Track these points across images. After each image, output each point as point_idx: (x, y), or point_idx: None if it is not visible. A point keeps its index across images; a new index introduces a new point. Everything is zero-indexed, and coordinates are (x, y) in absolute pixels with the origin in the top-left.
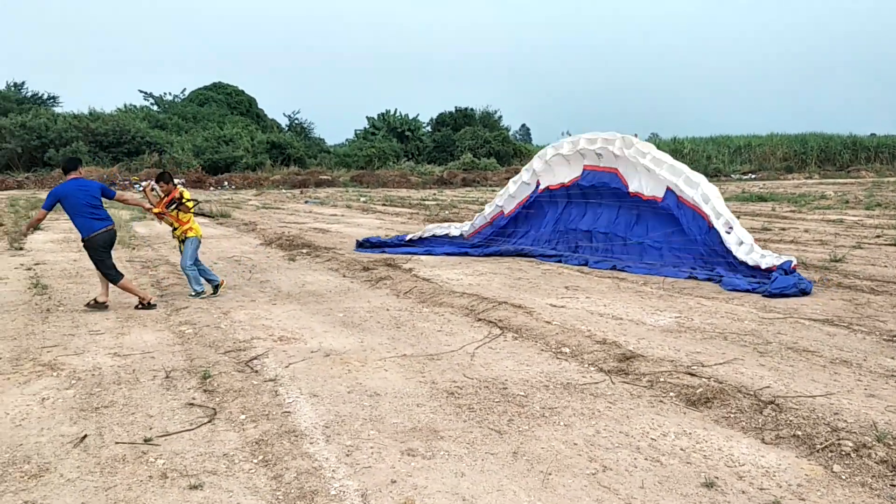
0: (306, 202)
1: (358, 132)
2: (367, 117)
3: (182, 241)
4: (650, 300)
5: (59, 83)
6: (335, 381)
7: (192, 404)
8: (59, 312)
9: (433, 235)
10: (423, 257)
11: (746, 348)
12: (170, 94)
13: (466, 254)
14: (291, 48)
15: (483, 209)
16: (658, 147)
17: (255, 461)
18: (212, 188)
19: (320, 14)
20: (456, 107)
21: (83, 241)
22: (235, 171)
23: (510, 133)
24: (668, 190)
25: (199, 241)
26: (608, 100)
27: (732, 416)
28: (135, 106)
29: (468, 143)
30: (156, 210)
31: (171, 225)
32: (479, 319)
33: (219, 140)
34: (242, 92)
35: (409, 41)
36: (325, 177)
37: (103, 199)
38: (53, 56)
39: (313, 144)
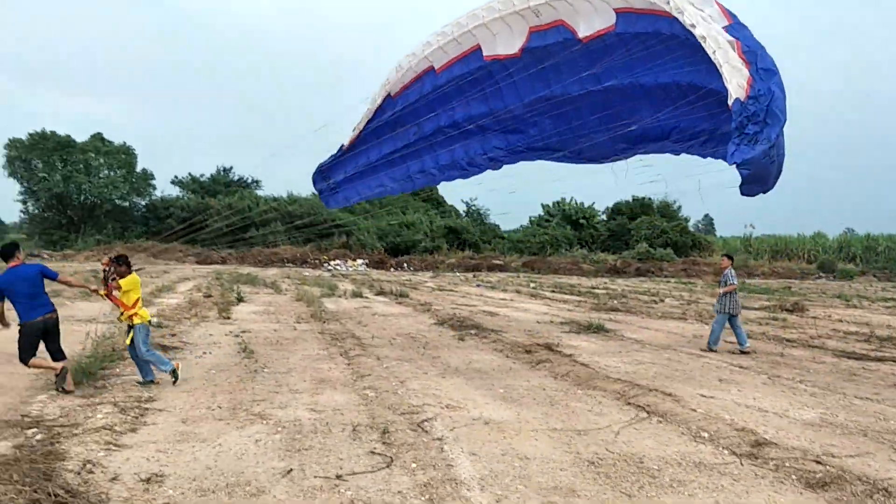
0: (478, 286)
1: (532, 219)
2: (541, 205)
3: (130, 328)
4: (801, 396)
5: (262, 168)
6: (492, 444)
7: (373, 452)
8: (264, 373)
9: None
10: (583, 344)
11: (883, 445)
12: None
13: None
14: None
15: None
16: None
17: (423, 499)
18: (392, 269)
19: None
20: (633, 196)
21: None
22: (415, 253)
23: (690, 223)
24: (617, 13)
25: (146, 327)
26: (807, 195)
27: (844, 499)
28: None
29: (644, 233)
30: (101, 292)
31: (118, 308)
32: (629, 403)
33: (401, 224)
34: None
35: None
36: (498, 262)
37: (47, 281)
38: (258, 143)
39: (488, 230)
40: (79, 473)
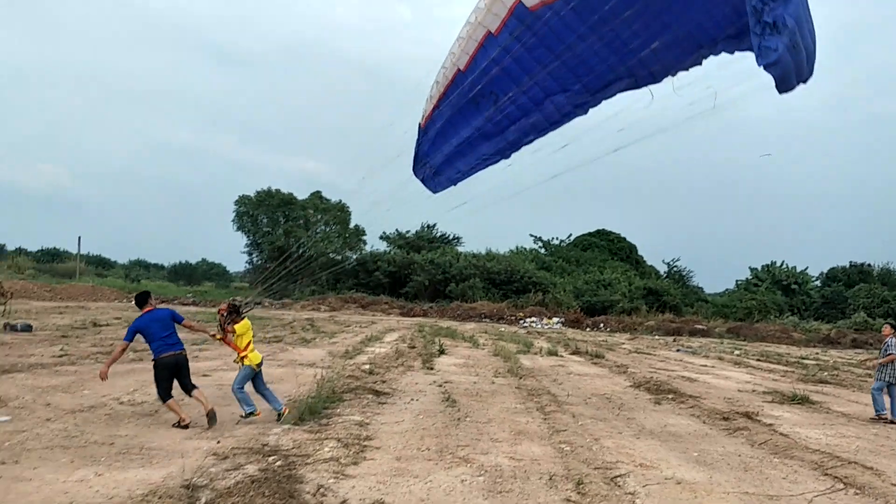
0: (678, 350)
1: (739, 282)
2: (749, 268)
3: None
4: None
5: (463, 225)
6: (682, 502)
7: (568, 500)
8: (466, 421)
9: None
10: (785, 415)
11: None
12: (557, 238)
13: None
14: (671, 194)
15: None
16: None
17: None
18: (588, 329)
19: (705, 159)
20: (850, 262)
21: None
22: (611, 313)
23: None
24: None
25: (252, 370)
26: None
27: None
28: (525, 248)
29: (862, 302)
30: (218, 336)
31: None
32: (826, 474)
33: (598, 284)
34: (624, 239)
35: (797, 188)
36: (700, 326)
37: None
38: (459, 201)
39: (690, 292)
40: (314, 495)
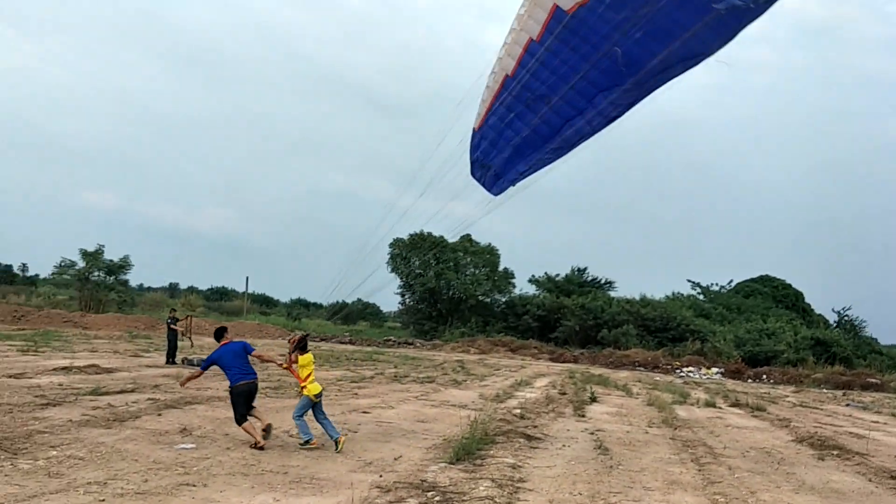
0: (847, 405)
1: None
2: None
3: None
4: None
5: (615, 269)
6: None
7: None
8: (619, 469)
9: None
10: None
11: None
12: (716, 284)
13: None
14: (841, 239)
15: None
16: None
17: None
18: (749, 380)
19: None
20: None
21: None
22: (775, 364)
23: None
24: None
25: (309, 400)
26: None
27: None
28: (682, 294)
29: None
30: (284, 365)
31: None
32: None
33: (761, 333)
34: (789, 286)
35: None
36: (874, 380)
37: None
38: (613, 245)
39: (863, 343)
40: None
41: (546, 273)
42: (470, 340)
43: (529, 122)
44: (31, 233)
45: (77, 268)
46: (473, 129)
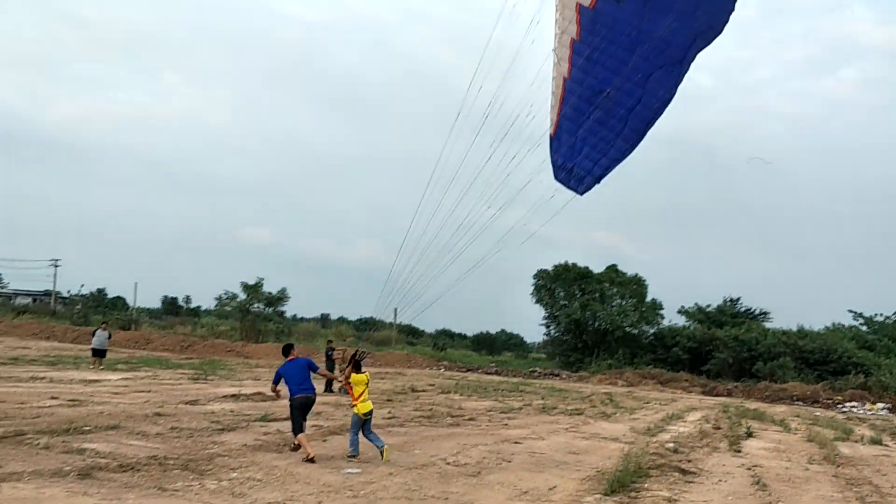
0: None
1: None
2: None
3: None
4: None
5: (770, 299)
6: None
7: None
8: None
9: None
10: None
11: None
12: (881, 314)
13: None
14: None
15: None
16: None
17: None
18: None
19: None
20: None
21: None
22: None
23: None
24: None
25: (359, 417)
26: None
27: None
28: (843, 325)
29: None
30: (341, 380)
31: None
32: None
33: None
34: None
35: None
36: None
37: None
38: (768, 274)
39: None
40: None
41: (696, 304)
42: (618, 372)
43: (597, 117)
44: (194, 266)
45: (238, 300)
46: (550, 136)
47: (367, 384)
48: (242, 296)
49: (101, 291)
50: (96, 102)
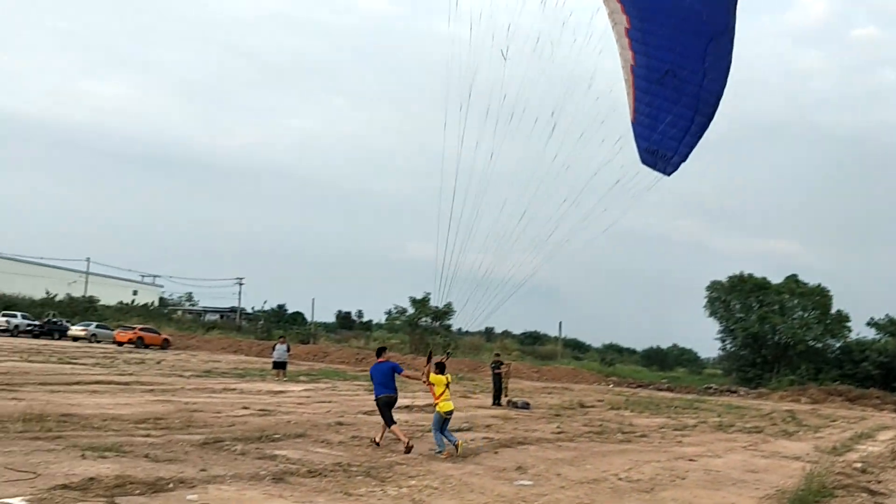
0: None
1: None
2: None
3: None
4: None
5: None
6: None
7: None
8: None
9: None
10: None
11: None
12: None
13: None
14: None
15: None
16: None
17: None
18: None
19: None
20: None
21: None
22: None
23: None
24: None
25: (440, 416)
26: None
27: None
28: None
29: None
30: (424, 380)
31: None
32: None
33: None
34: None
35: None
36: None
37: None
38: None
39: None
40: None
41: (888, 315)
42: (800, 389)
43: (669, 97)
44: (365, 282)
45: (407, 314)
46: (631, 123)
47: (447, 385)
48: (411, 310)
49: (281, 307)
50: (268, 129)
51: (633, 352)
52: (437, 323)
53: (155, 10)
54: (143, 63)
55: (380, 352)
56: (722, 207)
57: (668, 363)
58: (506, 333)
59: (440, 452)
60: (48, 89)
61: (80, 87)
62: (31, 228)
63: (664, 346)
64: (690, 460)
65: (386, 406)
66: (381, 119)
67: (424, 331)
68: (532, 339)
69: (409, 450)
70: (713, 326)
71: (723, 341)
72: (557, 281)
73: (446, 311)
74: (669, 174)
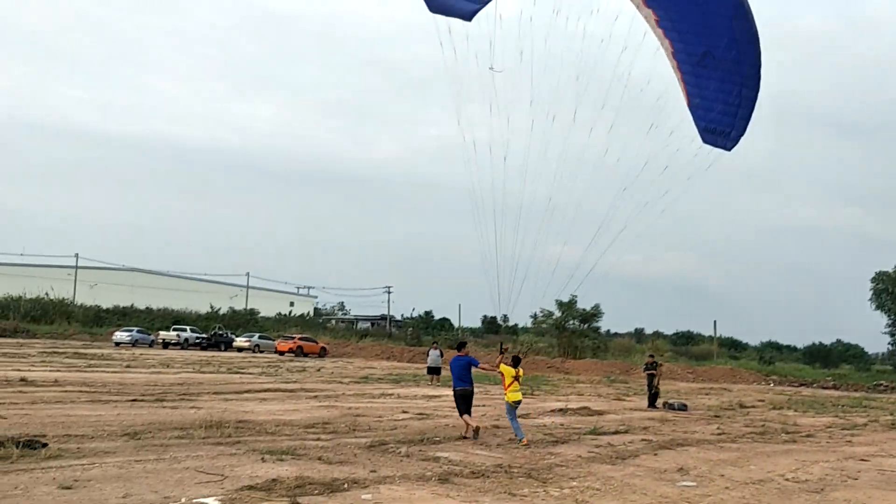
0: None
1: None
2: None
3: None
4: None
5: None
6: None
7: None
8: None
9: None
10: None
11: None
12: None
13: None
14: None
15: None
16: None
17: None
18: None
19: None
20: None
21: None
22: None
23: None
24: None
25: (508, 404)
26: None
27: None
28: None
29: None
30: (493, 371)
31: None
32: None
33: None
34: None
35: None
36: None
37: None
38: None
39: None
40: None
41: None
42: None
43: (714, 76)
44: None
45: (554, 317)
46: (687, 106)
47: (515, 377)
48: (557, 313)
49: (428, 314)
50: (408, 140)
51: (794, 349)
52: (585, 325)
53: (296, 32)
54: (289, 84)
55: (461, 345)
56: (885, 192)
57: (831, 360)
58: (657, 334)
59: (521, 440)
60: (205, 114)
61: (232, 110)
62: (195, 248)
63: (827, 341)
64: (862, 460)
65: (460, 399)
66: (516, 121)
67: (572, 333)
68: (685, 340)
69: (476, 434)
70: (880, 320)
71: (892, 335)
72: (706, 279)
73: (594, 314)
74: (730, 149)
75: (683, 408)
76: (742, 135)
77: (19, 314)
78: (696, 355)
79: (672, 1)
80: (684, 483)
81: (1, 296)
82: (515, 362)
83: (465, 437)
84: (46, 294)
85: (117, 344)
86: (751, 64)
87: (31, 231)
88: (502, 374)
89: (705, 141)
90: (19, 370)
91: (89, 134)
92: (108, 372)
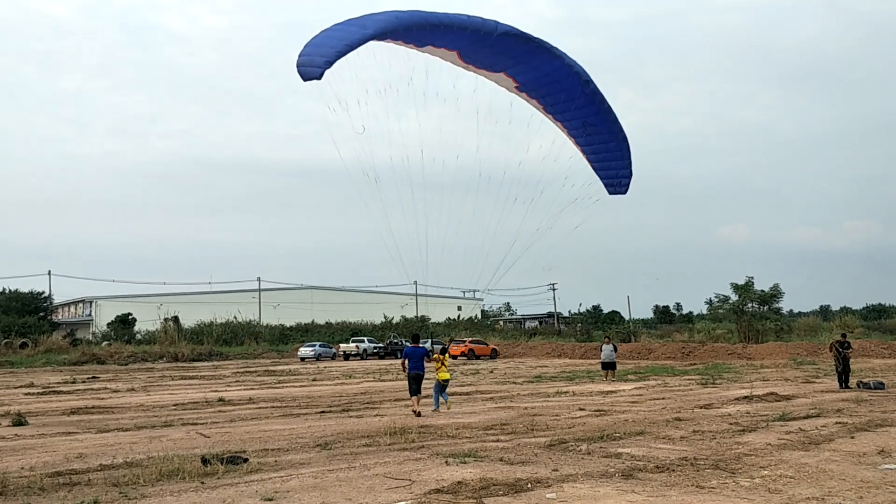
0: None
1: None
2: None
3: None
4: None
5: None
6: None
7: None
8: None
9: None
10: None
11: None
12: None
13: None
14: None
15: None
16: None
17: None
18: None
19: None
20: None
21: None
22: None
23: None
24: None
25: (438, 383)
26: None
27: None
28: None
29: None
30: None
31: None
32: None
33: None
34: None
35: None
36: None
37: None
38: None
39: None
40: None
41: None
42: None
43: (596, 140)
44: (679, 273)
45: (730, 301)
46: (593, 169)
47: (442, 363)
48: (734, 297)
49: (596, 308)
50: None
51: None
52: (765, 307)
53: None
54: (441, 95)
55: (415, 338)
56: None
57: None
58: (844, 310)
59: (436, 409)
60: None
61: (384, 128)
62: (367, 262)
63: None
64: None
65: (414, 380)
66: (671, 103)
67: (752, 316)
68: (877, 313)
69: (417, 414)
70: None
71: None
72: (894, 247)
73: (774, 294)
74: (625, 193)
75: (881, 386)
76: (629, 180)
77: (212, 338)
78: (889, 329)
79: (543, 86)
80: (888, 466)
81: (195, 322)
82: (443, 352)
83: (415, 412)
84: (235, 317)
85: (303, 359)
86: (612, 120)
87: (217, 261)
88: (436, 362)
89: (610, 193)
90: (217, 391)
91: (257, 164)
92: (296, 387)
